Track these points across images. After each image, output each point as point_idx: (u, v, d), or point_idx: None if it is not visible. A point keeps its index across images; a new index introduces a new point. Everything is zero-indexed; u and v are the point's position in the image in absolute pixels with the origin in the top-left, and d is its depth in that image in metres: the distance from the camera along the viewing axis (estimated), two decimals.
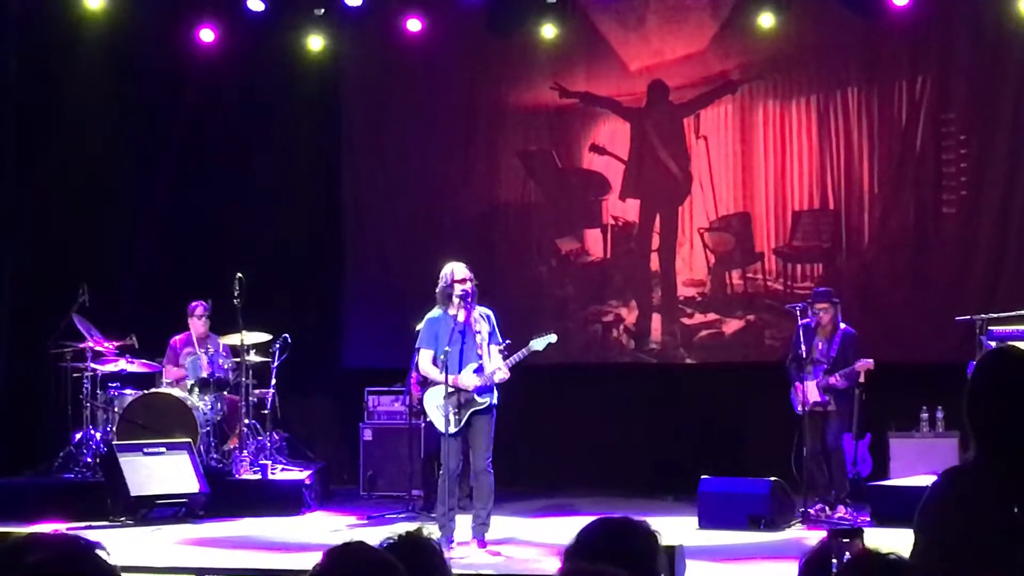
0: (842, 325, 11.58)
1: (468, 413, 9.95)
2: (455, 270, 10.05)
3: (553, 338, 10.08)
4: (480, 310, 10.09)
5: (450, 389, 9.88)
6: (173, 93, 14.35)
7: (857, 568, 3.10)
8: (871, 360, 11.32)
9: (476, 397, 9.94)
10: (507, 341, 10.09)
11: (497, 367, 9.95)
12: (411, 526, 3.80)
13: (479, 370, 9.97)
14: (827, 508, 11.34)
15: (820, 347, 11.52)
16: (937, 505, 3.73)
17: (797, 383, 11.42)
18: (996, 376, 3.77)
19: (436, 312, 10.17)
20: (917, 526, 3.73)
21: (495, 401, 10.06)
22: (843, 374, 11.36)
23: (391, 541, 3.60)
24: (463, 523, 10.18)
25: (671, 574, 5.86)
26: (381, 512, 12.01)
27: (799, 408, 11.41)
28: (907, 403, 12.58)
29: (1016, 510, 3.48)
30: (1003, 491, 3.55)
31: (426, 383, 10.51)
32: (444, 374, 9.84)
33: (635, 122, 14.02)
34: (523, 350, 10.01)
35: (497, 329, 10.10)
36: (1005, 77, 12.94)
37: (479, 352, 10.00)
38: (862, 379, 11.85)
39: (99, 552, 3.17)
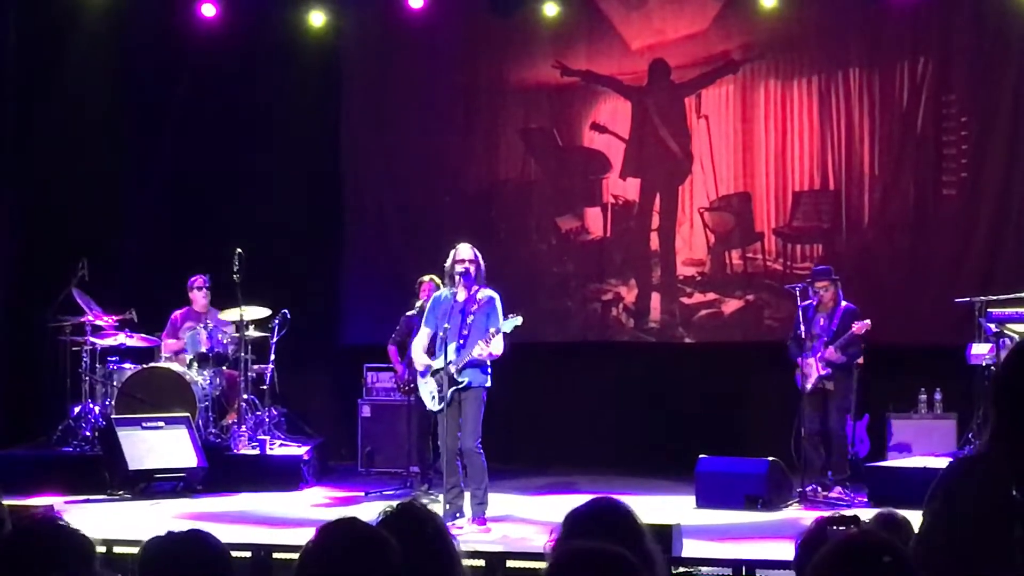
0: (843, 302, 11.55)
1: (451, 392, 9.96)
2: (458, 250, 10.06)
3: (519, 320, 10.01)
4: (485, 292, 10.07)
5: (437, 366, 9.93)
6: (174, 68, 14.35)
7: (843, 551, 3.09)
8: (867, 321, 11.25)
9: (456, 376, 9.95)
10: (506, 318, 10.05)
11: (476, 346, 9.91)
12: (406, 499, 3.81)
13: (460, 348, 9.97)
14: (820, 488, 11.31)
15: (821, 323, 11.49)
16: (949, 486, 3.75)
17: (800, 360, 11.39)
18: None
19: (443, 291, 10.22)
20: (927, 506, 3.75)
21: (486, 383, 10.03)
22: (840, 344, 11.29)
23: (386, 514, 3.61)
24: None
25: (668, 552, 5.89)
26: (379, 488, 12.03)
27: (806, 387, 11.36)
28: (905, 384, 12.59)
29: (1015, 493, 3.49)
30: (1015, 476, 3.56)
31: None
32: (443, 353, 9.89)
33: (636, 101, 14.00)
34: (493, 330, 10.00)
35: (498, 313, 10.05)
36: (1006, 60, 12.91)
37: (464, 332, 9.98)
38: (861, 360, 11.85)
39: (71, 525, 3.19)
